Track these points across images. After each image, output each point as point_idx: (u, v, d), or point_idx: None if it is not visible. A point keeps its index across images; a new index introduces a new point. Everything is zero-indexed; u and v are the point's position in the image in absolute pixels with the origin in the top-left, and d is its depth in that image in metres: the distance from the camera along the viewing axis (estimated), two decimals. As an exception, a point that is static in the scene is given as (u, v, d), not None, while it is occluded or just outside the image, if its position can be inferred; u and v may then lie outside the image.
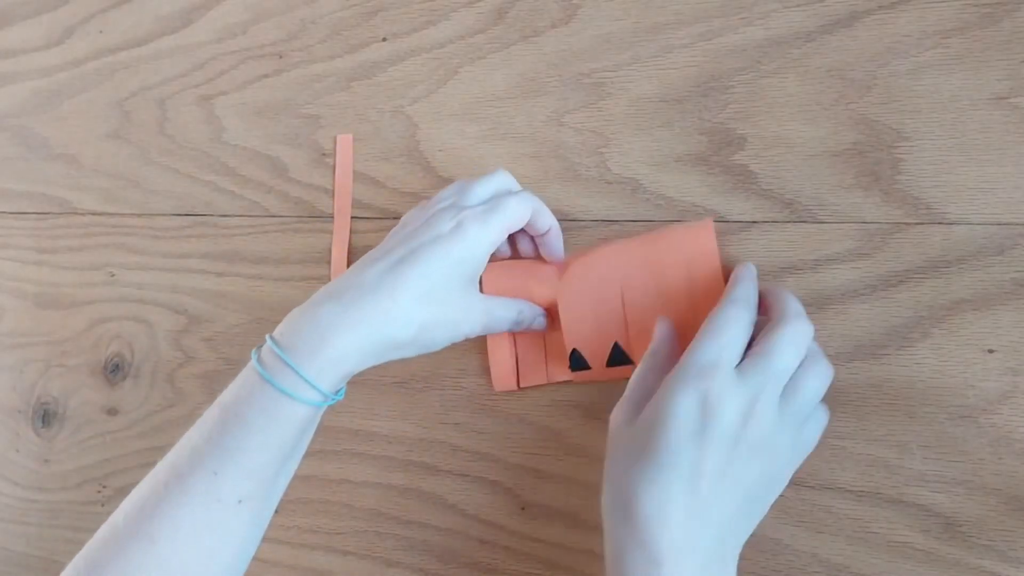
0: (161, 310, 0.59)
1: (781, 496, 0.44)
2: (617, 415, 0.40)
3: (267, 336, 0.40)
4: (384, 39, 0.54)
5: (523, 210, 0.43)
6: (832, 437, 0.43)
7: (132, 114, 0.61)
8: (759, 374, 0.36)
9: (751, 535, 0.43)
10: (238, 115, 0.58)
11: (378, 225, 0.53)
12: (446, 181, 0.52)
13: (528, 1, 0.50)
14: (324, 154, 0.55)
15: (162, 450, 0.58)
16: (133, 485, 0.59)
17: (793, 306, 0.39)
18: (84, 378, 0.61)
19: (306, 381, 0.38)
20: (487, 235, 0.41)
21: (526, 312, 0.46)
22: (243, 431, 0.38)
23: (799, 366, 0.38)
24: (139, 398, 0.59)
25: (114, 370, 0.60)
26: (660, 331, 0.43)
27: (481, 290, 0.47)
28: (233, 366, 0.57)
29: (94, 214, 0.62)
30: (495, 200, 0.43)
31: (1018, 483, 0.40)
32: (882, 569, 0.42)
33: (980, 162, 0.41)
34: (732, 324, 0.38)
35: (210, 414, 0.40)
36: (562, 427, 0.48)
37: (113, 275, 0.61)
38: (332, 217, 0.55)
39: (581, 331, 0.46)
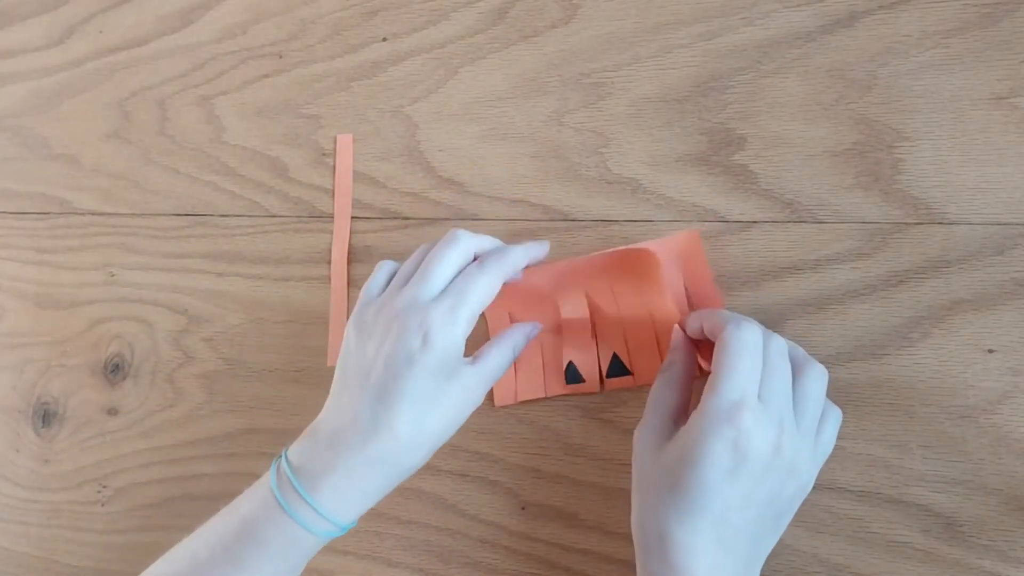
0: (161, 310, 0.59)
1: (781, 496, 0.44)
2: (642, 439, 0.40)
3: (284, 464, 0.42)
4: (384, 39, 0.54)
5: (489, 288, 0.42)
6: (832, 437, 0.43)
7: (132, 114, 0.61)
8: (778, 397, 0.37)
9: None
10: (238, 115, 0.58)
11: (378, 225, 0.53)
12: (446, 181, 0.52)
13: (528, 1, 0.50)
14: (324, 154, 0.55)
15: (162, 450, 0.58)
16: (133, 485, 0.59)
17: (745, 322, 0.39)
18: (84, 378, 0.61)
19: (328, 521, 0.40)
20: (457, 333, 0.41)
21: (520, 341, 0.45)
22: (260, 552, 0.40)
23: (796, 375, 0.38)
24: (139, 398, 0.59)
25: (114, 370, 0.60)
26: (674, 341, 0.43)
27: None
28: (233, 366, 0.57)
29: (94, 214, 0.62)
30: (458, 285, 0.42)
31: (1018, 483, 0.40)
32: (882, 569, 0.42)
33: (980, 162, 0.41)
34: (746, 352, 0.37)
35: (227, 523, 0.42)
36: (562, 427, 0.48)
37: (113, 275, 0.61)
38: (332, 217, 0.55)
39: (577, 343, 0.46)
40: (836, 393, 0.43)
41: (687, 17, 0.47)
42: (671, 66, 0.47)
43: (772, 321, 0.44)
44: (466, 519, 0.50)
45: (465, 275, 0.42)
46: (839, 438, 0.43)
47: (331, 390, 0.44)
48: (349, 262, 0.54)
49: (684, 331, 0.43)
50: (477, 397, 0.42)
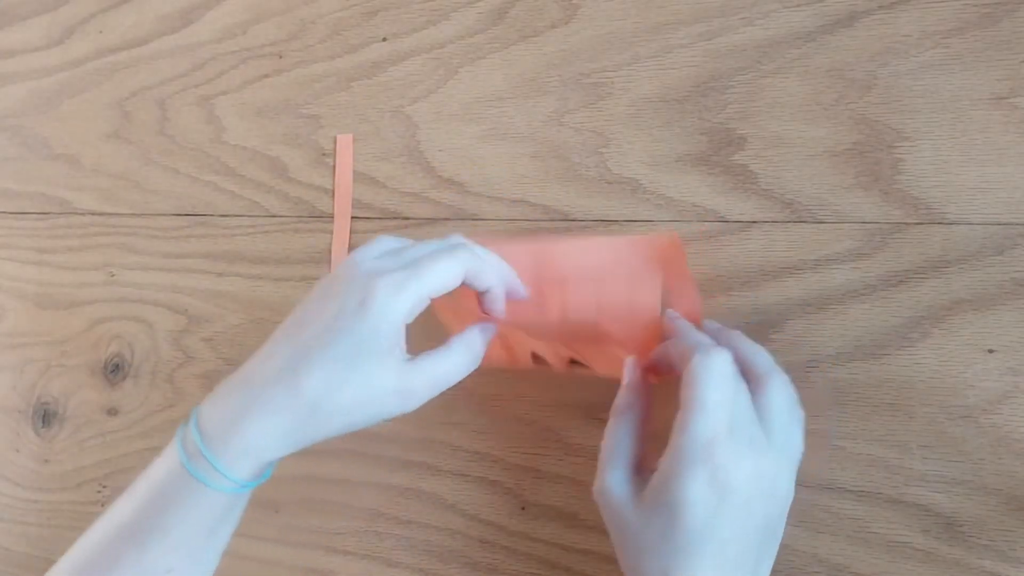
0: (161, 310, 0.59)
1: (781, 496, 0.44)
2: (611, 492, 0.38)
3: (193, 411, 0.39)
4: (384, 39, 0.54)
5: (450, 273, 0.38)
6: (832, 437, 0.43)
7: (132, 114, 0.61)
8: (744, 421, 0.36)
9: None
10: (238, 115, 0.58)
11: (378, 225, 0.53)
12: (446, 181, 0.52)
13: (528, 1, 0.50)
14: (324, 154, 0.55)
15: (162, 450, 0.58)
16: (133, 485, 0.59)
17: (705, 339, 0.39)
18: (84, 378, 0.61)
19: (218, 471, 0.37)
20: (398, 305, 0.37)
21: (476, 340, 0.41)
22: (164, 510, 0.38)
23: (760, 387, 0.38)
24: (139, 398, 0.59)
25: (114, 370, 0.60)
26: (628, 379, 0.41)
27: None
28: (233, 366, 0.57)
29: (94, 214, 0.62)
30: (419, 260, 0.38)
31: (1018, 483, 0.40)
32: (882, 569, 0.42)
33: (980, 162, 0.41)
34: (715, 384, 0.36)
35: (137, 487, 0.39)
36: (562, 427, 0.48)
37: (113, 275, 0.61)
38: (332, 217, 0.55)
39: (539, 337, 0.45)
40: (836, 393, 0.43)
41: (687, 17, 0.47)
42: (671, 66, 0.47)
43: (772, 321, 0.44)
44: (466, 519, 0.50)
45: (431, 254, 0.39)
46: (839, 438, 0.43)
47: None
48: (349, 262, 0.54)
49: (637, 367, 0.41)
50: (404, 399, 0.38)
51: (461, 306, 0.44)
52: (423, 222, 0.52)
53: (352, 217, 0.54)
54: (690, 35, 0.47)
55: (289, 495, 0.55)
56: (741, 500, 0.35)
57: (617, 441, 0.40)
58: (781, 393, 0.38)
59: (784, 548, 0.44)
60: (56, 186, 0.63)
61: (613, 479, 0.38)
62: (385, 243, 0.41)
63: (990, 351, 0.41)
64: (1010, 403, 0.40)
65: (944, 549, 0.41)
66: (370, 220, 0.54)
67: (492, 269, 0.41)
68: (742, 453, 0.36)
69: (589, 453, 0.48)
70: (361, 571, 0.52)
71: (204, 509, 0.38)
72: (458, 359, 0.40)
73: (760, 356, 0.39)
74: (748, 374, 0.38)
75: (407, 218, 0.53)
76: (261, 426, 0.37)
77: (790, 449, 0.38)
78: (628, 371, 0.42)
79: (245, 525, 0.56)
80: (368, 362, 0.37)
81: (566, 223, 0.49)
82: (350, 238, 0.54)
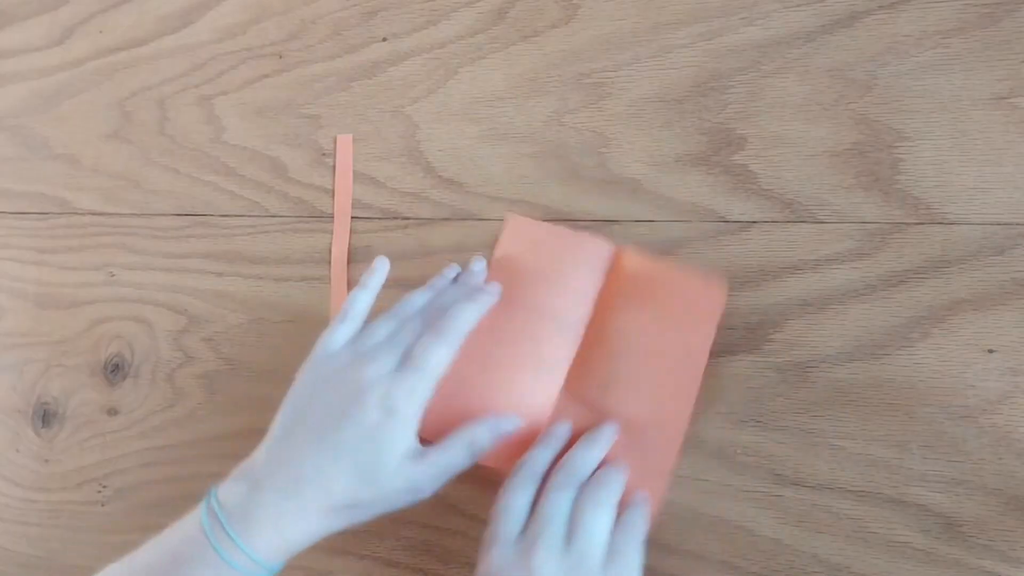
0: (161, 310, 0.59)
1: (780, 496, 0.44)
2: None
3: (215, 504, 0.42)
4: (384, 39, 0.54)
5: (448, 357, 0.44)
6: (832, 437, 0.43)
7: (132, 114, 0.61)
8: (532, 528, 0.40)
9: (752, 535, 0.43)
10: (238, 115, 0.58)
11: (378, 225, 0.53)
12: (446, 181, 0.52)
13: (528, 1, 0.50)
14: (324, 154, 0.55)
15: (162, 450, 0.58)
16: (133, 485, 0.59)
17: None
18: (84, 378, 0.61)
19: (257, 563, 0.41)
20: (414, 411, 0.43)
21: (482, 438, 0.44)
22: None
23: (577, 503, 0.41)
24: (139, 398, 0.59)
25: (114, 370, 0.60)
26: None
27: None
28: (233, 366, 0.57)
29: (94, 214, 0.62)
30: (418, 358, 0.43)
31: (1018, 483, 0.40)
32: (882, 569, 0.42)
33: (980, 162, 0.41)
34: (513, 495, 0.42)
35: (158, 555, 0.43)
36: (562, 427, 0.48)
37: (113, 275, 0.61)
38: (332, 217, 0.55)
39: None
40: (836, 393, 0.43)
41: (687, 17, 0.47)
42: (671, 66, 0.47)
43: (772, 321, 0.44)
44: (466, 519, 0.50)
45: (422, 345, 0.44)
46: (839, 438, 0.43)
47: (271, 432, 0.44)
48: (349, 262, 0.54)
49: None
50: (415, 492, 0.43)
51: (514, 284, 0.48)
52: (423, 222, 0.52)
53: (352, 217, 0.54)
54: (690, 35, 0.47)
55: (289, 495, 0.55)
56: None
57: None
58: (593, 516, 0.41)
59: (784, 548, 0.44)
60: (56, 186, 0.63)
61: None
62: (350, 325, 0.46)
63: (990, 351, 0.41)
64: (1010, 403, 0.40)
65: (944, 549, 0.41)
66: (370, 220, 0.54)
67: (467, 317, 0.45)
68: (517, 558, 0.40)
69: (589, 453, 0.48)
70: (361, 571, 0.52)
71: None
72: (458, 454, 0.44)
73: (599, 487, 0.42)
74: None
75: (407, 218, 0.53)
76: (296, 531, 0.42)
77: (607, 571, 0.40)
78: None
79: (245, 525, 0.56)
80: (387, 468, 0.42)
81: (567, 223, 0.49)
82: (350, 238, 0.54)
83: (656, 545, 0.46)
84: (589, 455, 0.43)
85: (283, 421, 0.44)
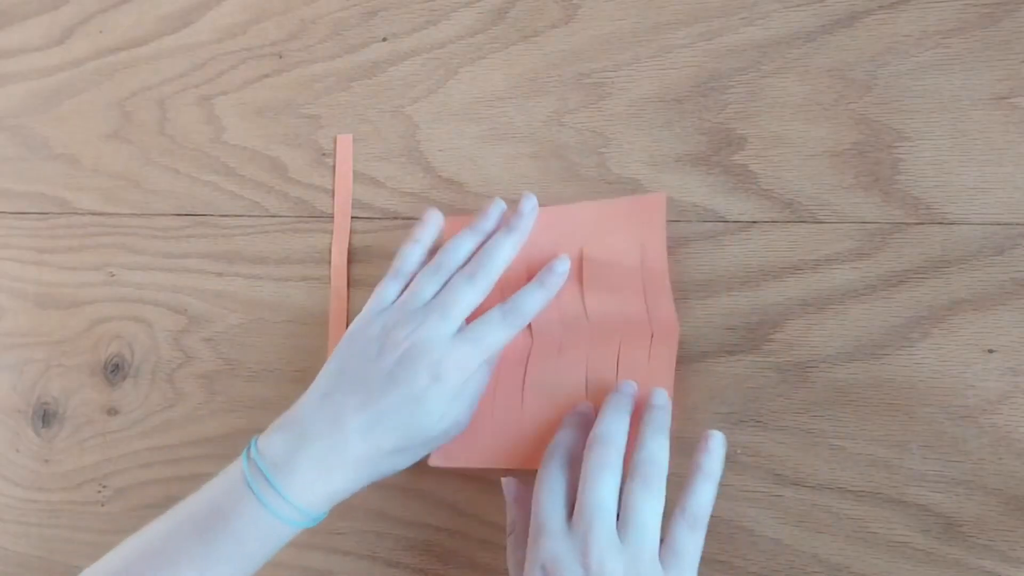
0: (161, 310, 0.59)
1: (780, 496, 0.44)
2: None
3: (256, 455, 0.43)
4: (384, 39, 0.54)
5: (506, 338, 0.45)
6: (832, 437, 0.43)
7: (132, 114, 0.61)
8: (581, 519, 0.38)
9: (752, 535, 0.43)
10: (238, 115, 0.58)
11: (378, 225, 0.53)
12: (446, 181, 0.52)
13: (528, 1, 0.50)
14: (324, 154, 0.55)
15: (162, 450, 0.58)
16: (133, 485, 0.59)
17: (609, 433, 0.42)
18: (84, 378, 0.61)
19: (298, 510, 0.42)
20: (465, 378, 0.43)
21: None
22: (229, 535, 0.42)
23: (626, 490, 0.39)
24: (139, 398, 0.59)
25: (114, 370, 0.60)
26: (510, 497, 0.45)
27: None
28: (233, 366, 0.57)
29: (94, 214, 0.62)
30: (478, 330, 0.44)
31: (1018, 483, 0.40)
32: (882, 569, 0.42)
33: (980, 162, 0.41)
34: (550, 481, 0.41)
35: (199, 505, 0.43)
36: (562, 427, 0.48)
37: (113, 275, 0.61)
38: (332, 217, 0.55)
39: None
40: (836, 393, 0.43)
41: (687, 17, 0.47)
42: (671, 66, 0.47)
43: (772, 321, 0.44)
44: (466, 519, 0.50)
45: (485, 321, 0.44)
46: (839, 438, 0.43)
47: (318, 381, 0.45)
48: (349, 262, 0.54)
49: (514, 484, 0.45)
50: (459, 423, 0.45)
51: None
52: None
53: (352, 217, 0.54)
54: (690, 35, 0.47)
55: (289, 495, 0.55)
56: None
57: (514, 559, 0.43)
58: (643, 502, 0.39)
59: (784, 548, 0.44)
60: (56, 186, 0.63)
61: None
62: (401, 278, 0.47)
63: (990, 351, 0.41)
64: (1010, 403, 0.40)
65: (944, 549, 0.41)
66: (370, 220, 0.54)
67: (533, 301, 0.45)
68: (571, 545, 0.38)
69: (589, 453, 0.48)
70: (361, 571, 0.52)
71: (271, 543, 0.43)
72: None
73: (657, 457, 0.40)
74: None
75: (407, 218, 0.53)
76: (339, 481, 0.43)
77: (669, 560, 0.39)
78: (506, 490, 0.45)
79: (245, 525, 0.56)
80: (430, 425, 0.43)
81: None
82: (350, 238, 0.54)
83: (656, 545, 0.46)
84: (617, 420, 0.42)
85: (329, 375, 0.45)
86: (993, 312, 0.41)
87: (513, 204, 0.48)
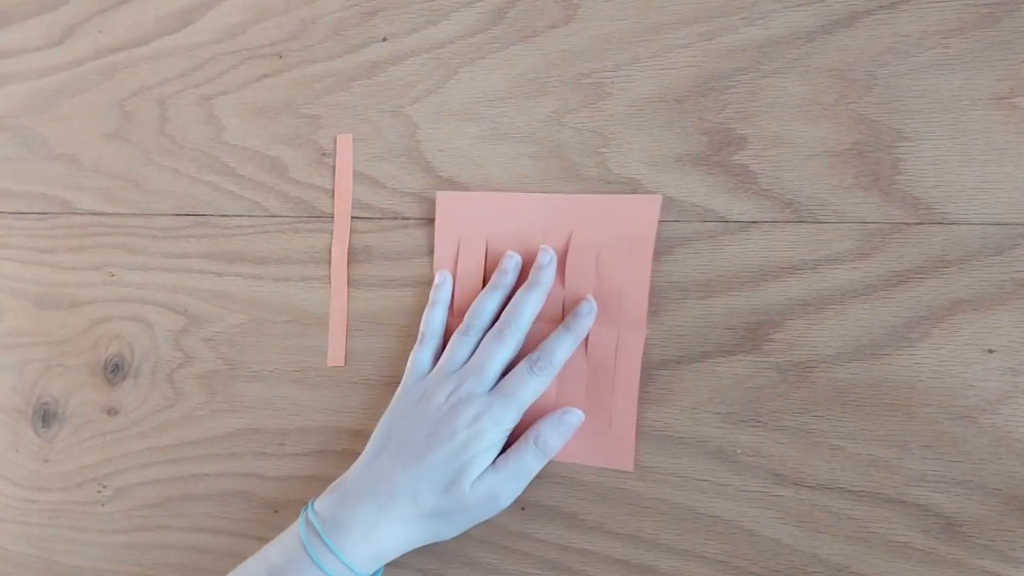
0: (161, 310, 0.59)
1: (780, 496, 0.44)
2: None
3: (312, 515, 0.46)
4: (384, 39, 0.54)
5: (539, 390, 0.46)
6: (832, 437, 0.43)
7: (132, 114, 0.61)
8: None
9: (752, 535, 0.43)
10: (238, 115, 0.58)
11: (378, 225, 0.53)
12: (446, 181, 0.52)
13: (528, 1, 0.50)
14: (324, 154, 0.55)
15: (162, 450, 0.58)
16: (133, 485, 0.59)
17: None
18: (84, 378, 0.61)
19: (352, 571, 0.45)
20: (502, 431, 0.46)
21: (549, 437, 0.47)
22: None
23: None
24: (139, 398, 0.59)
25: (114, 370, 0.60)
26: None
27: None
28: (233, 366, 0.57)
29: (94, 214, 0.62)
30: (511, 385, 0.46)
31: (1018, 483, 0.40)
32: (882, 569, 0.42)
33: (980, 162, 0.41)
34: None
35: (257, 569, 0.46)
36: (562, 427, 0.48)
37: (113, 275, 0.61)
38: (332, 217, 0.55)
39: None
40: (836, 393, 0.43)
41: (687, 17, 0.47)
42: (671, 66, 0.47)
43: (772, 321, 0.44)
44: (466, 519, 0.50)
45: (518, 377, 0.46)
46: (839, 438, 0.43)
47: (367, 448, 0.48)
48: (349, 262, 0.54)
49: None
50: (494, 501, 0.46)
51: (464, 255, 0.51)
52: (423, 222, 0.52)
53: (352, 217, 0.54)
54: (690, 35, 0.47)
55: (290, 496, 0.55)
56: None
57: None
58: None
59: (784, 548, 0.44)
60: (56, 186, 0.63)
61: None
62: (431, 343, 0.50)
63: (990, 351, 0.41)
64: (1010, 403, 0.40)
65: (944, 549, 0.41)
66: (370, 220, 0.54)
67: (564, 352, 0.47)
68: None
69: (589, 453, 0.48)
70: (361, 571, 0.52)
71: None
72: (528, 457, 0.46)
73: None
74: None
75: (407, 218, 0.53)
76: (387, 541, 0.45)
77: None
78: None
79: (246, 525, 0.56)
80: (468, 481, 0.45)
81: (566, 223, 0.48)
82: (350, 238, 0.54)
83: (656, 545, 0.46)
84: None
85: (376, 441, 0.48)
86: (993, 312, 0.41)
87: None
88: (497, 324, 0.48)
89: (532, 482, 0.48)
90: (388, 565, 0.47)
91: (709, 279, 0.46)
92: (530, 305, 0.47)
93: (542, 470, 0.48)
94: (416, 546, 0.46)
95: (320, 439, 0.54)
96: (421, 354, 0.50)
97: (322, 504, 0.46)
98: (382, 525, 0.45)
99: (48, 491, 0.62)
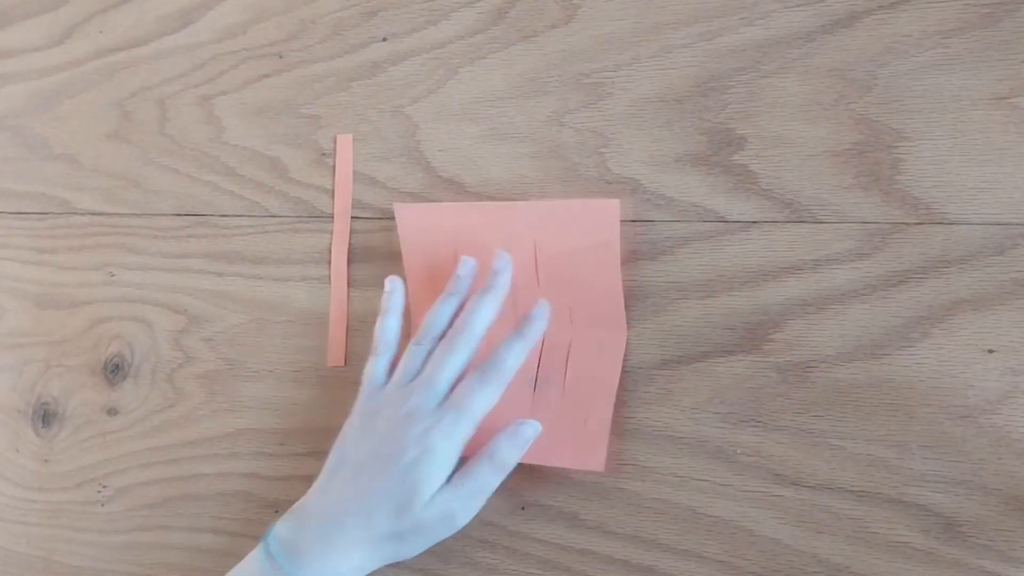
0: (161, 310, 0.59)
1: (780, 496, 0.44)
2: None
3: (272, 541, 0.45)
4: (384, 39, 0.54)
5: (491, 401, 0.45)
6: (832, 437, 0.43)
7: (132, 114, 0.61)
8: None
9: (752, 535, 0.43)
10: (238, 115, 0.58)
11: (378, 225, 0.53)
12: (446, 181, 0.52)
13: (528, 1, 0.50)
14: (324, 154, 0.55)
15: (162, 450, 0.58)
16: (133, 485, 0.59)
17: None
18: (84, 378, 0.61)
19: None
20: (455, 446, 0.44)
21: (504, 451, 0.45)
22: None
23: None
24: (139, 398, 0.59)
25: (114, 370, 0.60)
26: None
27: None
28: (233, 366, 0.57)
29: (94, 214, 0.62)
30: (460, 398, 0.45)
31: (1018, 483, 0.40)
32: (882, 569, 0.42)
33: (980, 162, 0.41)
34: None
35: None
36: (562, 427, 0.48)
37: (113, 275, 0.61)
38: (332, 217, 0.55)
39: None
40: (836, 393, 0.43)
41: (687, 17, 0.47)
42: (671, 66, 0.47)
43: (772, 321, 0.44)
44: (466, 519, 0.50)
45: (467, 387, 0.45)
46: (839, 438, 0.43)
47: (323, 469, 0.47)
48: (349, 262, 0.54)
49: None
50: (449, 520, 0.44)
51: (435, 269, 0.50)
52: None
53: (352, 217, 0.54)
54: (690, 35, 0.47)
55: (290, 496, 0.55)
56: None
57: None
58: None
59: (784, 548, 0.44)
60: (56, 186, 0.63)
61: None
62: (386, 354, 0.49)
63: (990, 351, 0.41)
64: (1010, 403, 0.40)
65: (944, 549, 0.41)
66: (370, 220, 0.54)
67: (511, 360, 0.46)
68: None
69: (589, 453, 0.48)
70: (361, 571, 0.52)
71: None
72: (484, 474, 0.45)
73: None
74: None
75: (407, 218, 0.53)
76: (344, 564, 0.44)
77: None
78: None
79: (245, 525, 0.56)
80: (421, 500, 0.43)
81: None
82: (350, 238, 0.54)
83: (656, 545, 0.46)
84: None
85: (331, 463, 0.47)
86: (993, 312, 0.41)
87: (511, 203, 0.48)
88: (448, 332, 0.46)
89: (532, 482, 0.48)
90: (387, 565, 0.47)
91: (709, 279, 0.46)
92: (483, 311, 0.46)
93: (542, 470, 0.48)
94: (375, 568, 0.45)
95: (320, 439, 0.54)
96: (376, 366, 0.48)
97: (282, 528, 0.45)
98: (338, 550, 0.44)
99: (48, 491, 0.62)
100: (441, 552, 0.50)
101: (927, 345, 0.42)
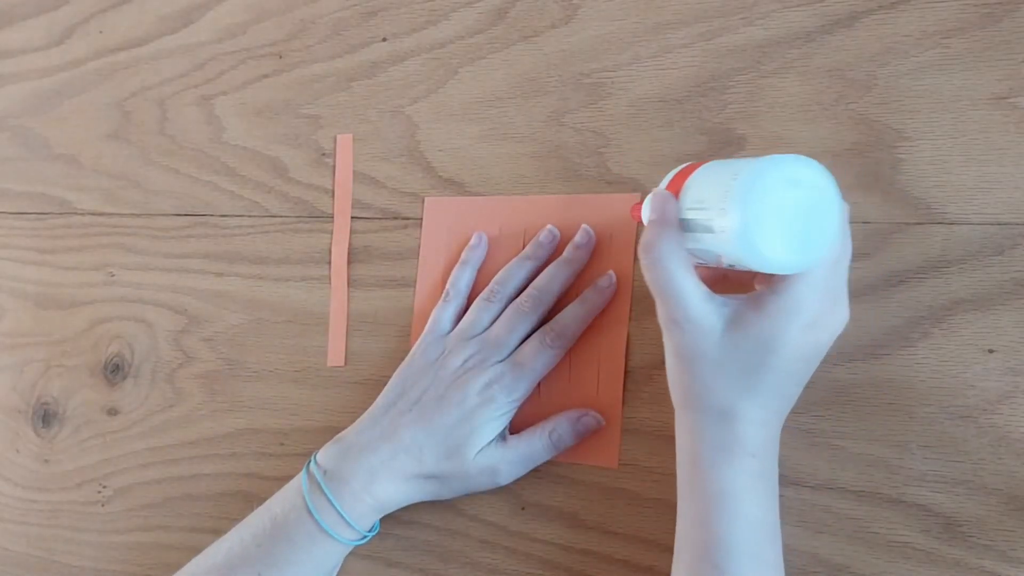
0: (161, 310, 0.59)
1: (780, 496, 0.44)
2: (697, 317, 0.38)
3: (314, 467, 0.47)
4: (384, 39, 0.54)
5: (552, 362, 0.47)
6: (832, 437, 0.43)
7: (132, 114, 0.61)
8: (840, 282, 0.40)
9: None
10: (238, 115, 0.58)
11: (378, 225, 0.53)
12: (446, 181, 0.52)
13: (528, 1, 0.50)
14: (324, 154, 0.55)
15: (162, 450, 0.58)
16: (133, 485, 0.59)
17: None
18: (84, 378, 0.61)
19: (351, 526, 0.46)
20: (511, 402, 0.46)
21: (564, 432, 0.46)
22: (289, 551, 0.46)
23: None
24: (139, 398, 0.59)
25: (114, 370, 0.60)
26: (656, 213, 0.42)
27: None
28: (233, 366, 0.57)
29: (94, 214, 0.62)
30: (526, 356, 0.46)
31: (1018, 483, 0.40)
32: (882, 569, 0.42)
33: (980, 162, 0.41)
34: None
35: (261, 521, 0.47)
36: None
37: (113, 275, 0.61)
38: (332, 217, 0.55)
39: None
40: (836, 393, 0.43)
41: (687, 17, 0.47)
42: (671, 66, 0.47)
43: (772, 321, 0.44)
44: (466, 519, 0.50)
45: (532, 349, 0.46)
46: (839, 438, 0.43)
47: (377, 402, 0.49)
48: (349, 262, 0.54)
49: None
50: (493, 474, 0.46)
51: (451, 267, 0.51)
52: (422, 222, 0.52)
53: (352, 217, 0.54)
54: (690, 35, 0.47)
55: (289, 495, 0.55)
56: (822, 349, 0.39)
57: (680, 273, 0.38)
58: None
59: (784, 548, 0.44)
60: (56, 186, 0.63)
61: (699, 309, 0.38)
62: (456, 302, 0.49)
63: (990, 351, 0.41)
64: (1010, 403, 0.40)
65: (944, 549, 0.41)
66: (370, 220, 0.54)
67: (579, 320, 0.47)
68: (834, 303, 0.39)
69: (589, 453, 0.48)
70: (361, 571, 0.52)
71: (322, 557, 0.47)
72: (538, 444, 0.46)
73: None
74: None
75: (407, 218, 0.53)
76: (389, 489, 0.46)
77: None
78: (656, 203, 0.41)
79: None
80: (473, 448, 0.46)
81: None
82: (350, 238, 0.54)
83: (656, 545, 0.46)
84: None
85: (388, 396, 0.48)
86: (993, 312, 0.41)
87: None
88: (522, 296, 0.47)
89: (532, 482, 0.48)
90: (387, 564, 0.47)
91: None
92: (559, 280, 0.47)
93: (542, 469, 0.48)
94: (411, 502, 0.47)
95: (320, 439, 0.54)
96: (443, 312, 0.49)
97: (324, 456, 0.47)
98: (383, 480, 0.46)
99: (48, 491, 0.62)
100: (441, 552, 0.50)
101: (927, 345, 0.42)
